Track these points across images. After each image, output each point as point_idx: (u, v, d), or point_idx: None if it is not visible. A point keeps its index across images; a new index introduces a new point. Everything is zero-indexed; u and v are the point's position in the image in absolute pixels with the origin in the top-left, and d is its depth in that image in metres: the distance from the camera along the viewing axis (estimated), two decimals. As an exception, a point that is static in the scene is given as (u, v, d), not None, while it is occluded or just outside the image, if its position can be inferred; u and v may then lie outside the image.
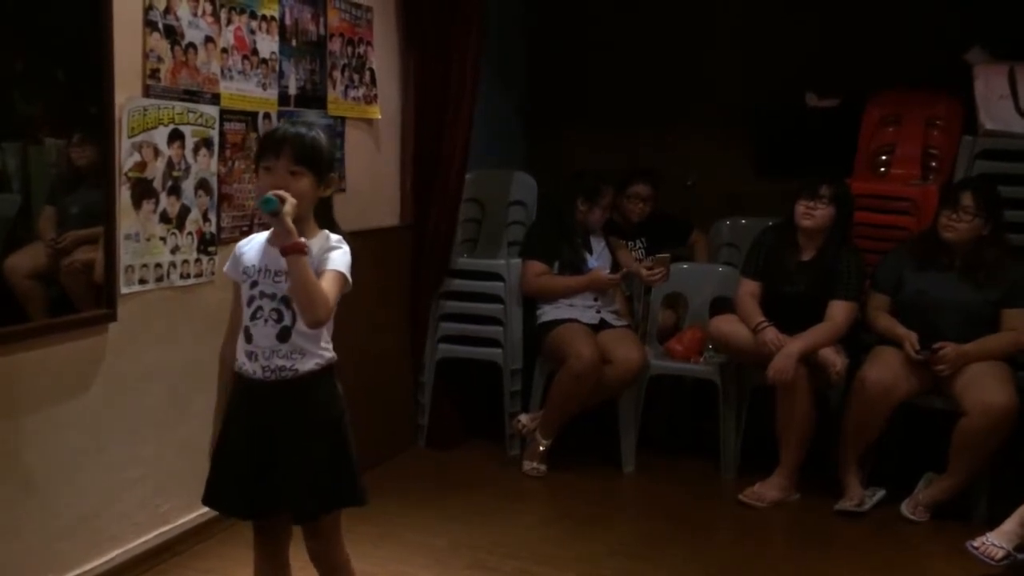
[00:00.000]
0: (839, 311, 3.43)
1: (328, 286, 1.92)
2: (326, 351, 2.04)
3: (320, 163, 1.99)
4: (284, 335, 1.97)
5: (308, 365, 1.99)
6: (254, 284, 2.01)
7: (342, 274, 1.96)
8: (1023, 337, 3.30)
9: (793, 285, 3.53)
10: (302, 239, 1.89)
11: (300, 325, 1.96)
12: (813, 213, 3.46)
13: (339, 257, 1.98)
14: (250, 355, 2.00)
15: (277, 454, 1.99)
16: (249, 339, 2.00)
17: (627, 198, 4.18)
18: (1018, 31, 3.95)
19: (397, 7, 3.72)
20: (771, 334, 3.42)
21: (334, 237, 2.01)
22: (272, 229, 1.95)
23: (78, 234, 2.44)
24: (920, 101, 4.00)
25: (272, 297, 1.98)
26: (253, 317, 2.00)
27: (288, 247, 1.86)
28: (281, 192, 1.88)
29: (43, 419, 2.41)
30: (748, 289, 3.62)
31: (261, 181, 1.98)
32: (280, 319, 1.98)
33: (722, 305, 3.91)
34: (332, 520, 2.07)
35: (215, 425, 2.12)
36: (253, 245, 2.06)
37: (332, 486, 2.01)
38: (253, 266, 2.02)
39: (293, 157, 1.95)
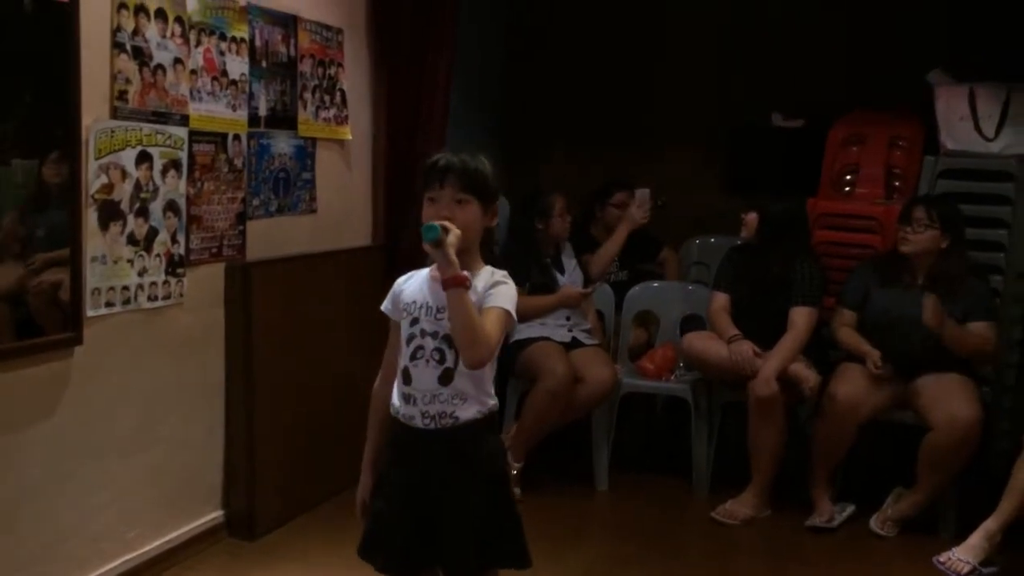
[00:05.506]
0: (799, 317, 3.51)
1: (491, 324, 1.79)
2: (489, 398, 1.91)
3: (487, 190, 1.89)
4: (446, 377, 1.84)
5: (470, 412, 1.86)
6: (415, 321, 1.88)
7: (507, 312, 1.83)
8: (989, 344, 3.35)
9: (757, 297, 3.60)
10: (464, 272, 1.76)
11: (463, 366, 1.83)
12: (744, 220, 3.65)
13: (505, 292, 1.85)
14: (408, 398, 1.88)
15: (436, 509, 1.86)
16: (408, 381, 1.88)
17: (613, 207, 4.22)
18: (977, 54, 4.05)
19: (368, 28, 3.74)
20: (746, 349, 3.46)
21: (499, 272, 1.89)
22: (435, 263, 1.81)
23: (46, 256, 2.41)
24: (883, 122, 4.08)
25: (434, 335, 1.86)
26: (413, 357, 1.87)
27: (449, 280, 1.74)
28: (445, 222, 1.78)
29: (6, 444, 2.37)
30: (720, 303, 3.69)
31: (426, 213, 1.86)
32: (442, 360, 1.85)
33: (693, 323, 3.95)
34: None
35: (364, 471, 2.01)
36: (414, 281, 1.95)
37: (494, 544, 1.88)
38: (414, 302, 1.90)
39: (459, 184, 1.85)
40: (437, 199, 1.86)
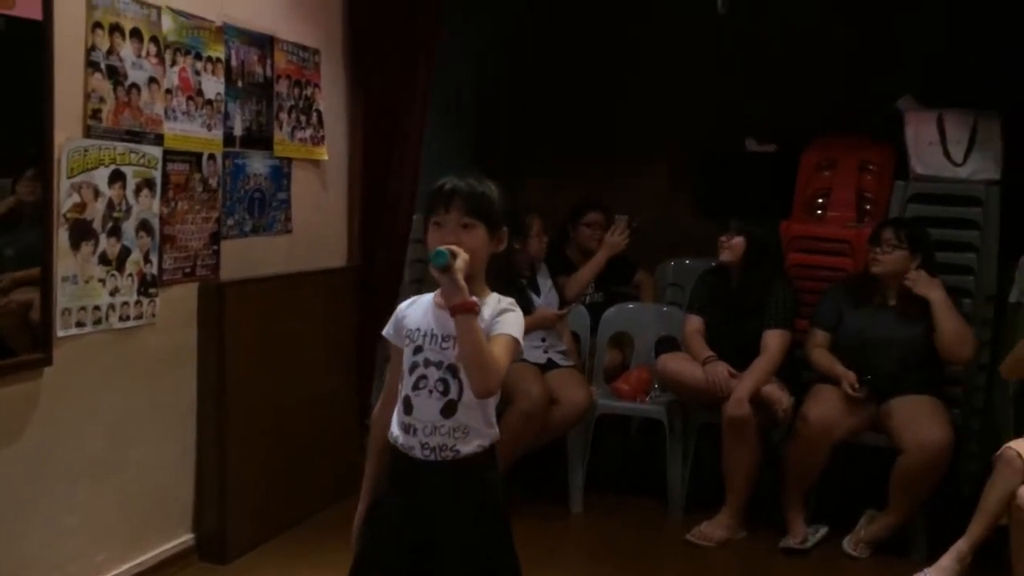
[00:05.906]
0: (772, 340, 3.54)
1: (499, 352, 1.74)
2: (491, 430, 1.86)
3: (493, 214, 1.85)
4: (449, 409, 1.79)
5: (471, 446, 1.81)
6: (418, 349, 1.84)
7: (515, 339, 1.79)
8: (971, 336, 3.41)
9: (731, 320, 3.63)
10: (473, 298, 1.71)
11: (467, 398, 1.79)
12: (729, 244, 3.62)
13: (512, 320, 1.80)
14: (408, 428, 1.82)
15: (433, 538, 1.82)
16: (409, 410, 1.83)
17: (585, 226, 4.24)
18: (946, 80, 4.13)
19: (344, 49, 3.74)
20: (721, 370, 3.49)
21: (506, 300, 1.84)
22: (439, 288, 1.77)
23: (15, 275, 2.38)
24: (854, 147, 4.15)
25: (438, 365, 1.81)
26: (416, 386, 1.82)
27: (457, 306, 1.69)
28: (453, 247, 1.73)
29: (-28, 467, 2.33)
30: (694, 326, 3.72)
31: (431, 238, 1.82)
32: (446, 391, 1.80)
33: (667, 345, 3.96)
34: None
35: (362, 499, 1.96)
36: (417, 306, 1.90)
37: (490, 573, 1.85)
38: (418, 329, 1.85)
39: (465, 208, 1.81)
40: (443, 223, 1.82)
